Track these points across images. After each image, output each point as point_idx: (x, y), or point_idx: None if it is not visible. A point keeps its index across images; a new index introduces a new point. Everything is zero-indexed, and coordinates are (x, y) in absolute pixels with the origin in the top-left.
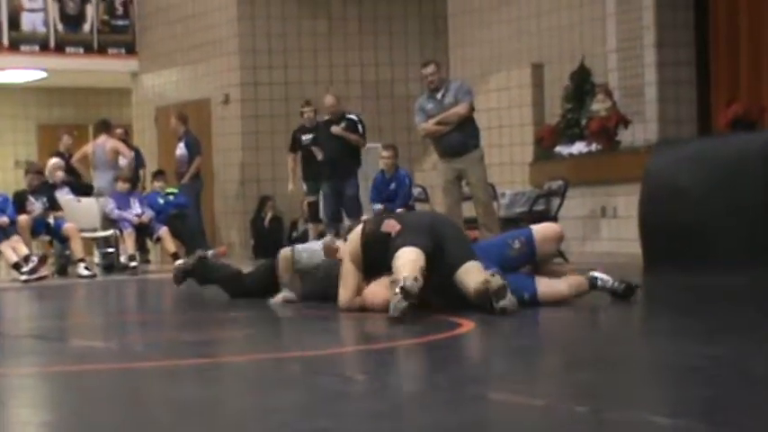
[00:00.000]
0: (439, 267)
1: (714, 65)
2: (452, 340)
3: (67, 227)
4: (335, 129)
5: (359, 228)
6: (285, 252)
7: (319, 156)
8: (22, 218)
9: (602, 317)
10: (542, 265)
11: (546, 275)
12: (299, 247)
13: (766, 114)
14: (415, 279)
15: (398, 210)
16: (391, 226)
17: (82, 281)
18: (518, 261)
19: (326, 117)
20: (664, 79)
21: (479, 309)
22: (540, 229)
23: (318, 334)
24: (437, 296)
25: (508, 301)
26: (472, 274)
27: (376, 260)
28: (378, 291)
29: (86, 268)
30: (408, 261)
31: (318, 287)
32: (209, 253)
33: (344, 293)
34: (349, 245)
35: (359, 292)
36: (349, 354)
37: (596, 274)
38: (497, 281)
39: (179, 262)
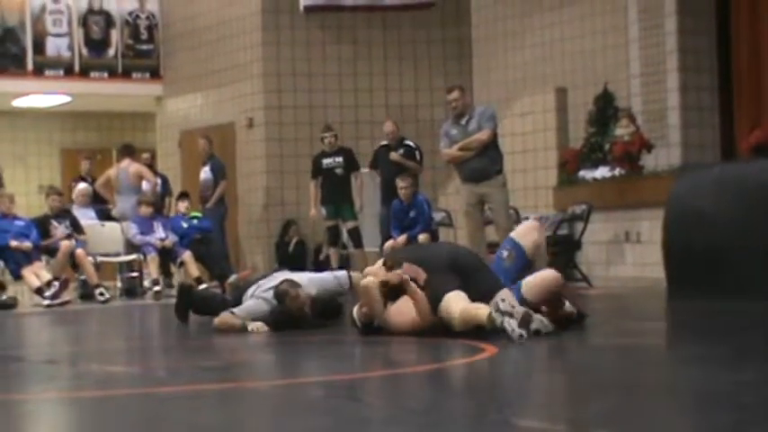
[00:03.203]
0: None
1: (737, 91)
2: (475, 365)
3: (77, 253)
4: (394, 155)
5: (377, 270)
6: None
7: (377, 179)
8: (65, 243)
9: (626, 342)
10: (539, 260)
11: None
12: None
13: None
14: (503, 300)
15: (421, 236)
16: (416, 272)
17: (104, 306)
18: (516, 268)
19: (384, 143)
20: (687, 104)
21: (501, 334)
22: (517, 230)
23: (339, 359)
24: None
25: (538, 323)
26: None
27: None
28: (401, 311)
29: (101, 294)
30: (465, 303)
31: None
32: (233, 277)
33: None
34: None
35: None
36: (371, 379)
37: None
38: (519, 310)
39: (203, 286)
